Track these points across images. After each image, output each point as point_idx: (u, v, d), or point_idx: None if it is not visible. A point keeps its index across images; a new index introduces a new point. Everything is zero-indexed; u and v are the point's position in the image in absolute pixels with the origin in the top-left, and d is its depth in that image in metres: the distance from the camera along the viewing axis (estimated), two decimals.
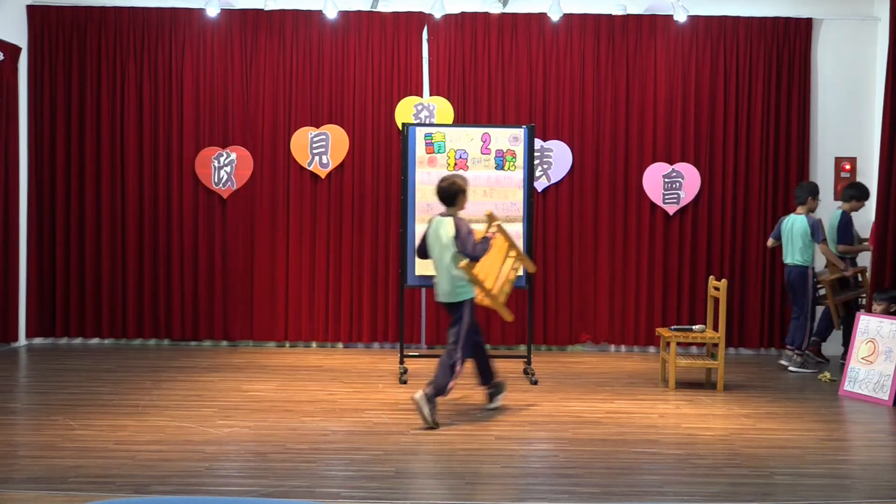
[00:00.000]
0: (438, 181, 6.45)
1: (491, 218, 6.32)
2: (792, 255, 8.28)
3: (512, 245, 6.45)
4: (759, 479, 5.15)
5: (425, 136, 7.72)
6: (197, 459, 5.30)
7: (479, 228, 6.37)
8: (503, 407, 6.70)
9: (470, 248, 6.09)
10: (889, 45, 8.09)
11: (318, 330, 9.22)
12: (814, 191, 8.35)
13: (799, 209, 8.34)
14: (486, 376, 6.63)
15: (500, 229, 6.38)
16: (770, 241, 8.55)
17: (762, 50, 9.15)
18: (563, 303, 9.22)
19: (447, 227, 6.25)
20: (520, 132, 7.77)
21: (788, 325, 8.64)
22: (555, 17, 8.77)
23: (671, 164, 9.16)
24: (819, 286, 8.41)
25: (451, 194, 6.32)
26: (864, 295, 8.27)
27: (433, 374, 6.25)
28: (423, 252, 6.54)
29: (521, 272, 6.83)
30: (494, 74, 9.13)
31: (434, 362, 8.25)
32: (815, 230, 8.15)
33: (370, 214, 9.15)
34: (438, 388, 6.13)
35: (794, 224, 8.26)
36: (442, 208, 6.42)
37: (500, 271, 6.41)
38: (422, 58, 9.18)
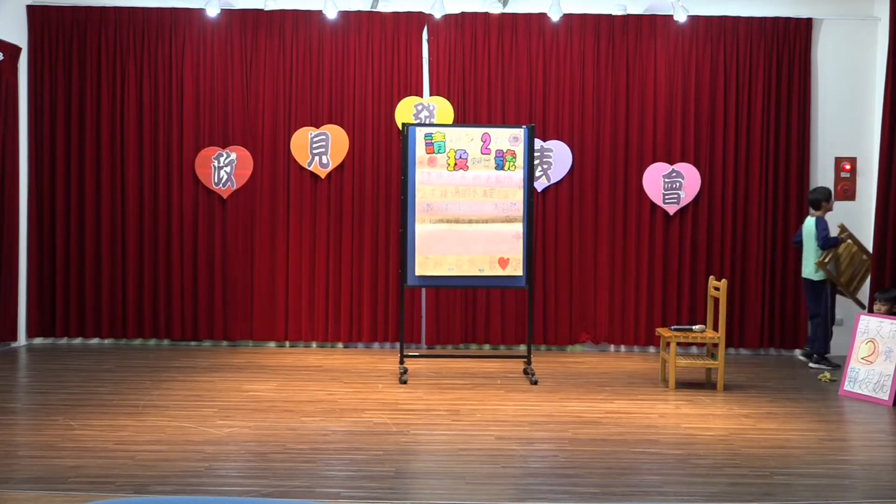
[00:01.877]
0: (810, 191, 8.79)
1: (842, 229, 8.52)
2: None
3: (861, 249, 8.48)
4: (758, 479, 5.15)
5: (425, 136, 7.71)
6: (197, 459, 5.30)
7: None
8: (503, 407, 6.72)
9: (821, 241, 8.33)
10: (889, 45, 8.09)
11: (318, 330, 9.21)
12: None
13: None
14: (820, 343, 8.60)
15: (850, 236, 8.49)
16: None
17: (762, 50, 9.15)
18: (563, 303, 9.22)
19: (811, 226, 8.46)
20: (520, 132, 7.77)
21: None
22: (555, 17, 8.76)
23: (671, 164, 9.16)
24: None
25: (816, 202, 8.53)
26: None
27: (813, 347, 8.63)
28: (799, 243, 8.71)
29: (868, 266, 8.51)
30: (494, 74, 9.13)
31: (434, 362, 8.35)
32: None
33: (370, 214, 9.15)
34: (820, 350, 8.52)
35: None
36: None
37: (852, 268, 8.47)
38: (422, 58, 9.18)
